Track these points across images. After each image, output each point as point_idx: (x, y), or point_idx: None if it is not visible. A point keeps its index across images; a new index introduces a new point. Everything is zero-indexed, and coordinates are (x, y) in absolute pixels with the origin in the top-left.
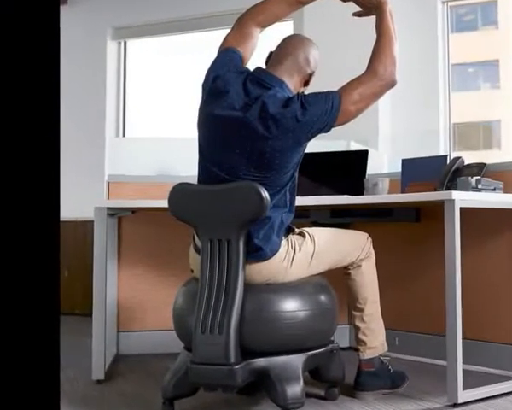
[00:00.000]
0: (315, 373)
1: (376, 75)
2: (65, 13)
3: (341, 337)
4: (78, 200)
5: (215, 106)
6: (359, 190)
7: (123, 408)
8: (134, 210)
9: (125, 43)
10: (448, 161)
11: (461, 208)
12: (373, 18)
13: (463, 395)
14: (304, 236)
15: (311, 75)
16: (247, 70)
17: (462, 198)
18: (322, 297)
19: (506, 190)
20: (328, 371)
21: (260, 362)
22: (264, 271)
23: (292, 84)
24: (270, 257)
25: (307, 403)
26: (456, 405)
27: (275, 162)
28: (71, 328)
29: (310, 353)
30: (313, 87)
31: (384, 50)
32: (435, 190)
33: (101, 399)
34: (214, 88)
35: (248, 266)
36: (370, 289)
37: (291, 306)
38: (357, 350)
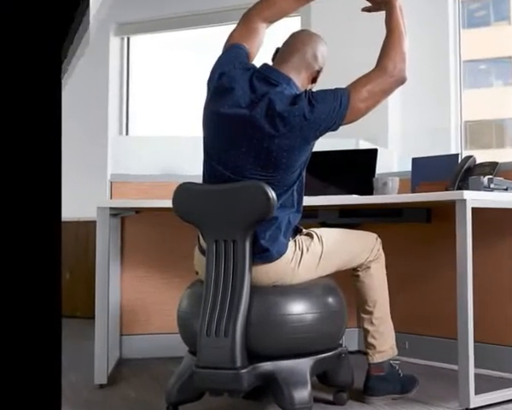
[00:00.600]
0: (323, 377)
1: (386, 72)
2: None
3: (350, 341)
4: (80, 200)
5: (220, 104)
6: (368, 190)
7: None
8: (137, 210)
9: (128, 39)
10: (459, 160)
11: (472, 208)
12: (382, 13)
13: (475, 400)
14: (311, 236)
15: (318, 72)
16: (254, 67)
17: (473, 198)
18: (331, 299)
19: None
20: (337, 375)
21: (267, 366)
22: (270, 272)
23: (299, 81)
24: (276, 258)
25: (315, 408)
26: None
27: (282, 161)
28: (73, 331)
29: (318, 356)
30: (321, 84)
31: (394, 46)
32: (446, 189)
33: (103, 404)
34: (220, 85)
35: (255, 267)
36: (380, 292)
37: (298, 308)
38: (366, 354)
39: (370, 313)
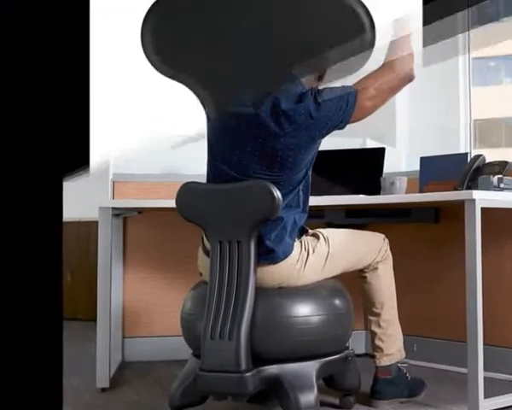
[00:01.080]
0: (329, 381)
1: (394, 69)
2: None
3: (357, 343)
4: (81, 199)
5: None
6: (375, 190)
7: None
8: (140, 210)
9: None
10: (468, 159)
11: (481, 208)
12: None
13: (485, 404)
14: (318, 237)
15: (325, 69)
16: None
17: (483, 198)
18: (337, 301)
19: None
20: (344, 378)
21: (272, 369)
22: (276, 274)
23: (305, 78)
24: (282, 259)
25: None
26: None
27: (288, 160)
28: (74, 334)
29: (324, 359)
30: (327, 82)
31: (401, 43)
32: (455, 189)
33: (105, 408)
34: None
35: (260, 268)
36: (387, 294)
37: (304, 310)
38: (373, 357)
39: (378, 315)
